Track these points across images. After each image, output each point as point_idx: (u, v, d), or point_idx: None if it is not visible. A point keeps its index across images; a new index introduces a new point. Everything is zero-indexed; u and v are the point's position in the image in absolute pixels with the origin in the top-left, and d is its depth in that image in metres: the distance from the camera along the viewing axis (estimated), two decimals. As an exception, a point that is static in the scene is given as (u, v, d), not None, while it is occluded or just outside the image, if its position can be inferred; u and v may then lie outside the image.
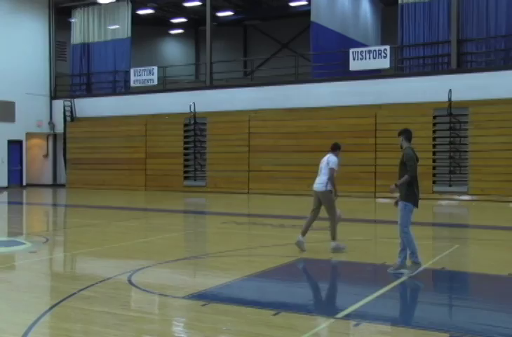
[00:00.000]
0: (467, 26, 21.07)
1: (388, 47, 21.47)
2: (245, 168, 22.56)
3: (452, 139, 19.33)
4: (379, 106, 20.46)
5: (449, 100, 18.96)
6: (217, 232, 11.98)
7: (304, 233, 9.18)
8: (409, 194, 7.50)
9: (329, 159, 9.33)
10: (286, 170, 21.53)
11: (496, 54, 21.26)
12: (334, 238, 9.11)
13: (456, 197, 19.04)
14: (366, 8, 27.33)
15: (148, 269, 7.76)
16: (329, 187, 9.14)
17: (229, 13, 31.53)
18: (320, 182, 9.25)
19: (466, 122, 19.12)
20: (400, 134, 7.93)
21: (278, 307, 5.84)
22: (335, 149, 9.46)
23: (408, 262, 7.44)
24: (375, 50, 21.57)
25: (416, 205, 7.54)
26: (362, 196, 20.02)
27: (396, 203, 7.70)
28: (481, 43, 21.11)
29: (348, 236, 10.92)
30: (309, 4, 24.43)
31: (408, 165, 7.50)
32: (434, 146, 19.65)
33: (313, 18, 23.36)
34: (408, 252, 7.49)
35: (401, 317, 5.59)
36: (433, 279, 7.82)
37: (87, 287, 6.64)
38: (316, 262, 8.43)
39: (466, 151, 19.09)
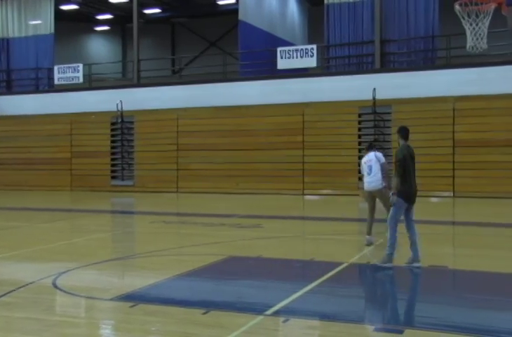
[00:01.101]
0: (389, 27, 21.69)
1: (314, 46, 21.81)
2: (174, 167, 22.38)
3: (376, 136, 19.85)
4: (307, 104, 20.76)
5: (374, 98, 19.48)
6: (145, 232, 11.82)
7: (369, 233, 9.28)
8: (401, 189, 7.51)
9: (377, 156, 9.30)
10: (215, 168, 21.52)
11: (416, 54, 22.01)
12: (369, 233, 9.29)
13: (381, 193, 19.57)
14: (293, 7, 27.66)
15: (73, 272, 7.55)
16: (384, 184, 9.12)
17: (157, 10, 31.18)
18: (374, 181, 9.19)
19: (389, 120, 19.70)
20: (397, 132, 7.97)
21: (208, 306, 5.82)
22: (373, 147, 9.47)
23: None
24: (302, 49, 21.86)
25: (407, 201, 7.54)
26: (290, 193, 20.28)
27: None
28: (403, 43, 21.79)
29: (277, 233, 11.03)
30: (237, 3, 24.47)
31: (396, 165, 7.58)
32: (359, 143, 20.13)
33: (241, 17, 23.42)
34: (388, 243, 7.63)
35: (329, 312, 5.68)
36: (359, 273, 8.00)
37: (7, 293, 6.38)
38: (245, 260, 8.46)
39: (389, 148, 19.64)
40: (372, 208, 9.43)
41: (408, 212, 7.68)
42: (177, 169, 22.39)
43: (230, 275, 7.51)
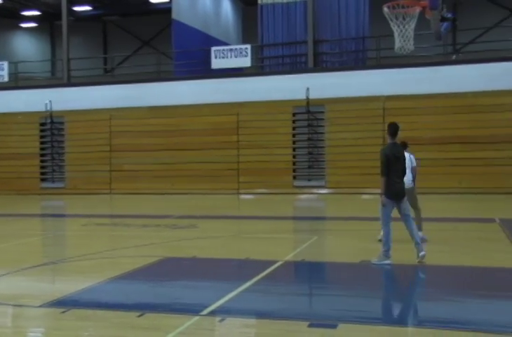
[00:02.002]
0: (322, 28, 22.06)
1: (249, 46, 21.91)
2: (107, 168, 21.97)
3: (310, 135, 20.16)
4: (241, 104, 20.83)
5: (307, 98, 19.75)
6: (77, 235, 11.54)
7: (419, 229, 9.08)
8: (386, 188, 7.50)
9: (411, 158, 9.15)
10: (149, 169, 21.27)
11: (348, 55, 22.48)
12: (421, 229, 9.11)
13: (315, 191, 19.90)
14: (227, 7, 27.67)
15: (1, 279, 7.29)
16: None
17: (87, 8, 30.45)
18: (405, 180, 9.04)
19: (323, 119, 20.03)
20: (386, 129, 7.77)
21: (143, 308, 5.74)
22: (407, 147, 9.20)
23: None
24: (236, 49, 21.92)
25: (391, 198, 7.49)
26: (225, 193, 20.30)
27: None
28: (335, 44, 22.21)
29: (212, 233, 11.01)
30: (170, 2, 24.24)
31: (380, 165, 7.55)
32: (294, 142, 20.38)
33: (174, 16, 23.24)
34: (384, 239, 7.60)
35: (265, 310, 5.71)
36: (294, 271, 8.09)
37: None
38: (180, 261, 8.40)
39: (322, 147, 20.01)
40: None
41: (400, 209, 7.63)
42: (110, 170, 21.99)
43: (165, 277, 7.43)
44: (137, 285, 6.94)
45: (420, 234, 9.05)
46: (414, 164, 9.31)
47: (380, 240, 8.80)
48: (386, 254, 7.57)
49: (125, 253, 9.03)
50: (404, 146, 8.95)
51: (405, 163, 7.75)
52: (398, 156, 7.58)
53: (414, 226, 7.80)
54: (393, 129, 7.64)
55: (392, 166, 7.50)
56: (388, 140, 7.72)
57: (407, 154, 8.92)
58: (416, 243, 7.62)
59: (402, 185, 7.67)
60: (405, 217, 7.69)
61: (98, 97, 22.48)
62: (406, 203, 7.74)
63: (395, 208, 7.70)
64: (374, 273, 7.53)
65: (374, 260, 7.66)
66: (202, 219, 13.48)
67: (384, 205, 7.57)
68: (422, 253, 7.54)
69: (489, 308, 5.67)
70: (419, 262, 7.54)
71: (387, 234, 7.59)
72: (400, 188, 7.59)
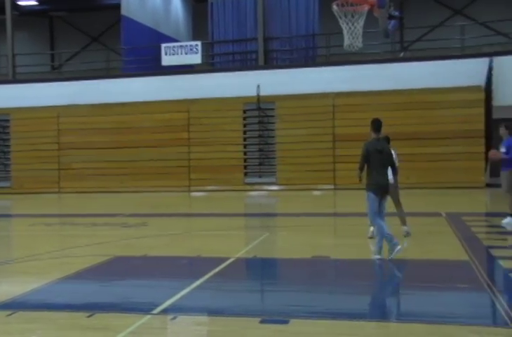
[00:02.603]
0: (272, 25, 22.15)
1: (199, 43, 21.81)
2: (55, 167, 21.51)
3: (261, 132, 20.22)
4: (192, 101, 20.71)
5: (258, 94, 19.79)
6: (24, 235, 11.24)
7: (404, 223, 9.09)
8: (369, 183, 7.50)
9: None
10: (99, 167, 20.94)
11: (298, 52, 22.64)
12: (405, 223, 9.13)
13: (266, 187, 19.98)
14: (177, 3, 27.45)
15: None
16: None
17: (33, 3, 29.65)
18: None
19: (273, 116, 20.12)
20: (370, 124, 7.73)
21: (93, 308, 5.63)
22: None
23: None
24: (187, 45, 21.79)
25: (375, 193, 7.44)
26: (176, 190, 20.17)
27: None
28: (285, 41, 22.34)
29: (163, 231, 10.92)
30: (119, -3, 23.89)
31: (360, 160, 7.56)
32: (245, 139, 20.40)
33: (123, 12, 22.93)
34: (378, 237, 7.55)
35: (217, 307, 5.69)
36: (246, 267, 8.10)
37: None
38: (131, 260, 8.29)
39: (273, 143, 20.09)
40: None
41: (380, 205, 7.57)
42: (59, 169, 21.54)
43: (115, 276, 7.32)
44: (87, 285, 6.82)
45: (405, 228, 9.21)
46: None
47: (371, 237, 8.84)
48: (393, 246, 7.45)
49: (74, 252, 8.85)
50: (387, 141, 8.86)
51: (388, 157, 7.69)
52: (380, 150, 7.55)
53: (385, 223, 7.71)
54: (377, 125, 7.72)
55: (373, 160, 7.49)
56: (372, 136, 7.73)
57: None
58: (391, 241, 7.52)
59: (384, 180, 7.60)
60: (381, 214, 7.62)
61: (45, 95, 21.96)
62: (386, 200, 7.74)
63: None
64: (325, 268, 7.60)
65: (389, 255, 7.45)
66: (152, 217, 13.35)
67: (367, 199, 7.53)
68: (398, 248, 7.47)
69: (437, 300, 5.80)
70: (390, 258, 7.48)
71: (381, 229, 7.45)
72: (382, 184, 7.53)
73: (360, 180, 7.62)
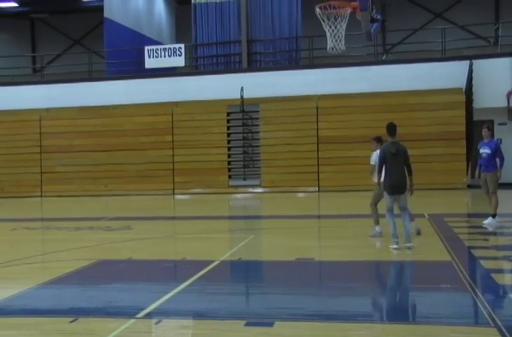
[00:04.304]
0: (255, 27, 22.20)
1: (182, 45, 21.79)
2: (37, 170, 21.33)
3: (245, 135, 20.22)
4: (175, 103, 20.67)
5: (242, 97, 19.80)
6: (5, 240, 11.10)
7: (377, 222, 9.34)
8: (384, 183, 8.28)
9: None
10: (82, 170, 20.81)
11: (281, 54, 22.71)
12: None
13: (251, 190, 19.99)
14: (160, 6, 27.38)
15: None
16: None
17: (13, 4, 29.40)
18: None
19: (257, 118, 20.14)
20: (386, 129, 8.32)
21: (76, 313, 5.59)
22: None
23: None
24: (170, 48, 21.76)
25: (389, 192, 8.22)
26: (160, 193, 20.10)
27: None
28: (268, 43, 22.40)
29: (147, 235, 10.88)
30: (102, 0, 23.78)
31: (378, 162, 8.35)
32: (229, 142, 20.39)
33: (106, 14, 22.84)
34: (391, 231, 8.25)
35: (202, 310, 5.68)
36: (230, 270, 8.09)
37: None
38: (115, 263, 8.25)
39: (258, 146, 20.11)
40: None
41: (397, 202, 8.26)
42: (41, 172, 21.37)
43: (99, 280, 7.28)
44: (70, 289, 6.76)
45: (377, 228, 9.39)
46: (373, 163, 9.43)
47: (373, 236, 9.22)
48: (395, 239, 8.23)
49: (57, 257, 8.78)
50: (380, 142, 9.33)
51: (405, 159, 8.22)
52: (394, 153, 8.14)
53: (408, 221, 8.33)
54: (392, 129, 8.28)
55: (389, 162, 8.15)
56: (389, 139, 8.32)
57: (376, 151, 9.27)
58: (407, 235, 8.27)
59: (399, 180, 8.19)
60: (403, 211, 8.30)
61: (27, 97, 21.80)
62: (403, 198, 8.29)
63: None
64: (310, 270, 7.63)
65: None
66: (137, 220, 13.29)
67: (384, 197, 8.36)
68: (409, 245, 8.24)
69: (420, 301, 5.85)
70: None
71: (392, 225, 8.26)
72: (396, 183, 8.17)
73: (378, 183, 8.44)
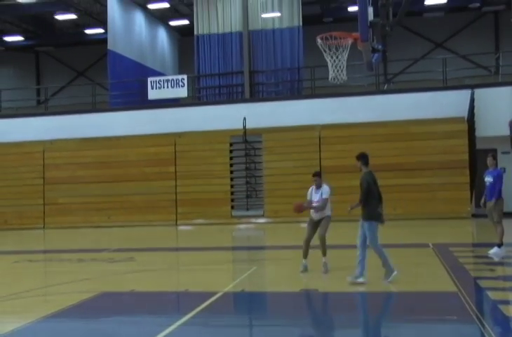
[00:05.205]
0: (258, 58, 22.47)
1: (185, 76, 22.00)
2: (40, 202, 21.30)
3: (247, 165, 20.23)
4: (179, 134, 20.74)
5: (244, 127, 19.88)
6: (7, 273, 11.01)
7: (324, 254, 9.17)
8: (372, 213, 8.00)
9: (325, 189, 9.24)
10: (85, 201, 20.75)
11: (283, 85, 22.91)
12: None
13: (254, 220, 19.89)
14: (163, 37, 27.78)
15: None
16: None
17: (19, 38, 29.89)
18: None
19: (260, 148, 20.17)
20: (358, 159, 8.28)
21: (77, 347, 5.51)
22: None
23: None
24: (173, 79, 21.96)
25: (380, 221, 8.05)
26: (163, 224, 20.01)
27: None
28: (270, 74, 22.63)
29: (150, 266, 10.79)
30: (106, 32, 24.12)
31: (361, 190, 8.03)
32: (231, 172, 20.39)
33: (110, 46, 23.10)
34: (382, 262, 8.00)
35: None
36: (234, 302, 7.99)
37: None
38: (118, 295, 8.16)
39: (260, 176, 20.10)
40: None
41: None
42: (44, 204, 21.33)
43: (101, 312, 7.19)
44: (72, 323, 6.68)
45: (323, 259, 9.25)
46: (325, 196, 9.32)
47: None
48: (389, 268, 7.99)
49: (59, 289, 8.70)
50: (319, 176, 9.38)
51: (378, 189, 8.22)
52: (376, 181, 8.19)
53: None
54: (367, 158, 8.32)
55: (372, 192, 8.06)
56: (364, 169, 8.26)
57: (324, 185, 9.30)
58: (384, 262, 8.10)
59: (380, 209, 8.13)
60: (366, 242, 8.14)
61: (31, 129, 21.92)
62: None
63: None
64: (314, 302, 7.53)
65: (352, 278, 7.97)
66: (139, 251, 13.20)
67: (370, 228, 7.98)
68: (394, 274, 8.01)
69: (426, 332, 5.75)
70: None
71: (384, 255, 8.01)
72: (380, 211, 8.11)
73: (350, 211, 8.10)
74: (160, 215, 20.23)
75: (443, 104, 19.04)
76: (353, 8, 23.89)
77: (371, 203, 8.03)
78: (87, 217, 20.64)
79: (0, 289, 9.41)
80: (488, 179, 10.65)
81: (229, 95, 22.92)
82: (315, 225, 9.29)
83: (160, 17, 27.51)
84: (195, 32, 23.28)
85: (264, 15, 22.80)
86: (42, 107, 27.16)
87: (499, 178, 10.54)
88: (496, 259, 10.13)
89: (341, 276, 8.64)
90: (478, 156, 18.26)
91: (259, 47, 22.50)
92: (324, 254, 9.17)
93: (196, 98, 23.48)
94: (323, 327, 6.11)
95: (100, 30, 27.67)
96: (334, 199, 9.88)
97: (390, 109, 19.39)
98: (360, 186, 8.15)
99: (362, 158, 8.32)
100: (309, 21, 24.17)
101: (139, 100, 22.74)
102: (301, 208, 9.23)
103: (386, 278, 8.01)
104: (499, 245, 10.42)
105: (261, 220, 19.84)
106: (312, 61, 21.06)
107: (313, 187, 9.26)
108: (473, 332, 5.70)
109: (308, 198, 9.23)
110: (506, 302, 6.98)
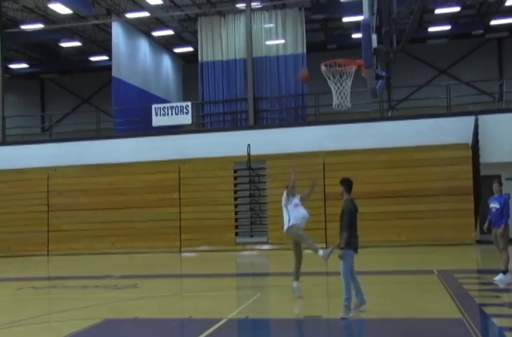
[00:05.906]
0: (262, 85, 22.67)
1: (189, 103, 22.18)
2: (44, 229, 21.26)
3: (252, 191, 20.22)
4: (182, 161, 20.79)
5: (248, 154, 19.94)
6: (10, 300, 10.95)
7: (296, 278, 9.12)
8: (351, 242, 7.70)
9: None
10: (89, 228, 20.71)
11: (287, 111, 23.07)
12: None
13: (258, 247, 19.80)
14: (167, 64, 28.09)
15: None
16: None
17: (24, 66, 30.30)
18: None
19: (264, 175, 20.20)
20: (341, 183, 8.04)
21: (79, 375, 5.45)
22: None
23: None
24: (177, 106, 22.13)
25: (355, 251, 7.77)
26: (167, 251, 19.93)
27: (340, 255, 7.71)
28: (274, 101, 22.81)
29: (154, 293, 10.73)
30: (110, 59, 24.41)
31: (344, 219, 7.73)
32: (235, 199, 20.37)
33: (114, 73, 23.34)
34: (344, 296, 7.54)
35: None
36: (238, 328, 7.92)
37: None
38: (121, 323, 8.10)
39: (265, 202, 20.06)
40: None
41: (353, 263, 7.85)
42: (48, 231, 21.29)
43: (104, 340, 7.13)
44: (74, 350, 6.62)
45: (294, 283, 9.23)
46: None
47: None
48: (348, 305, 7.58)
49: (62, 316, 8.64)
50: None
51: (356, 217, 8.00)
52: (357, 209, 7.95)
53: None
54: (350, 185, 8.05)
55: (354, 219, 7.84)
56: (345, 196, 8.02)
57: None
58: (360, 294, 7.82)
59: (357, 239, 7.92)
60: (353, 271, 7.92)
61: (35, 156, 22.00)
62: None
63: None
64: (317, 329, 7.45)
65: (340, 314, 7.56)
66: (143, 278, 13.13)
67: (345, 259, 7.69)
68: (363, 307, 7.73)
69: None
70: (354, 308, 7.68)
71: (349, 287, 7.66)
72: (358, 240, 7.87)
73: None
74: (164, 241, 20.16)
75: (447, 130, 19.10)
76: (356, 35, 24.23)
77: (352, 232, 7.80)
78: (91, 244, 20.59)
79: (3, 316, 9.36)
80: (494, 205, 10.64)
81: (233, 122, 23.06)
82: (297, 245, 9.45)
83: (164, 44, 27.88)
84: (199, 59, 23.56)
85: (268, 42, 23.09)
86: (46, 134, 27.34)
87: (506, 205, 10.53)
88: (501, 286, 10.05)
89: (336, 303, 8.56)
90: (482, 183, 18.25)
91: (263, 74, 22.72)
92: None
93: (200, 125, 23.62)
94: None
95: (105, 57, 28.04)
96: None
97: (394, 136, 19.45)
98: (341, 213, 7.88)
99: (347, 184, 8.05)
100: (313, 48, 24.50)
101: (143, 127, 22.89)
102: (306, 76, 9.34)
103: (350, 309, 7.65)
104: (505, 272, 10.35)
105: (265, 247, 19.74)
106: (316, 88, 21.24)
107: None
108: (480, 360, 5.63)
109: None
110: (513, 330, 6.90)
